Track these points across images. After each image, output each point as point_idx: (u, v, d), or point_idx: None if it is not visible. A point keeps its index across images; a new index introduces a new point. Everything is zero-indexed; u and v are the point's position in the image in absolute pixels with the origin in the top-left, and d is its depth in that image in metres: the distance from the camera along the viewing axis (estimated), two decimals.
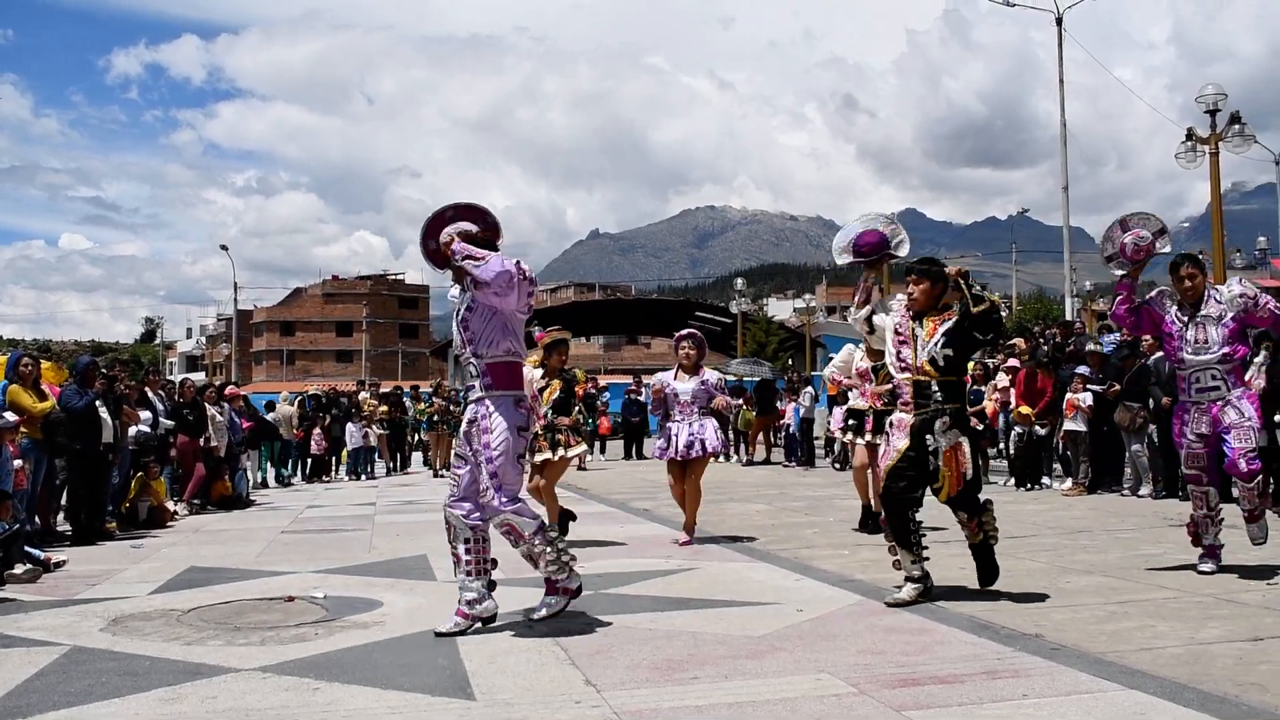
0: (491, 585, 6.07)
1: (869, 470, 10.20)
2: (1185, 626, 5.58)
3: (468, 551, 5.99)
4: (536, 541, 5.92)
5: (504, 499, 5.82)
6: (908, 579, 6.40)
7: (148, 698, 4.71)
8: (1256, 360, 11.23)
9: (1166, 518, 10.61)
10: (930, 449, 6.29)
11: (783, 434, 24.26)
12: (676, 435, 9.79)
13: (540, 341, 9.84)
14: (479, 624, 5.94)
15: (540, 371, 9.73)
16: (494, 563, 6.11)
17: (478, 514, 5.96)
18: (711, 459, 10.07)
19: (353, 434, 22.05)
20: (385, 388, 30.33)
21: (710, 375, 10.04)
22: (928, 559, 6.46)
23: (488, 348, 5.88)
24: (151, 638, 6.00)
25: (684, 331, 10.37)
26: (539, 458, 9.74)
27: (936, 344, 6.35)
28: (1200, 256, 7.55)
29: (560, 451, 9.61)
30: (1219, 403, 7.03)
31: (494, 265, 5.65)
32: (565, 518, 9.73)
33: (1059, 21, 30.80)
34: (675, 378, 10.01)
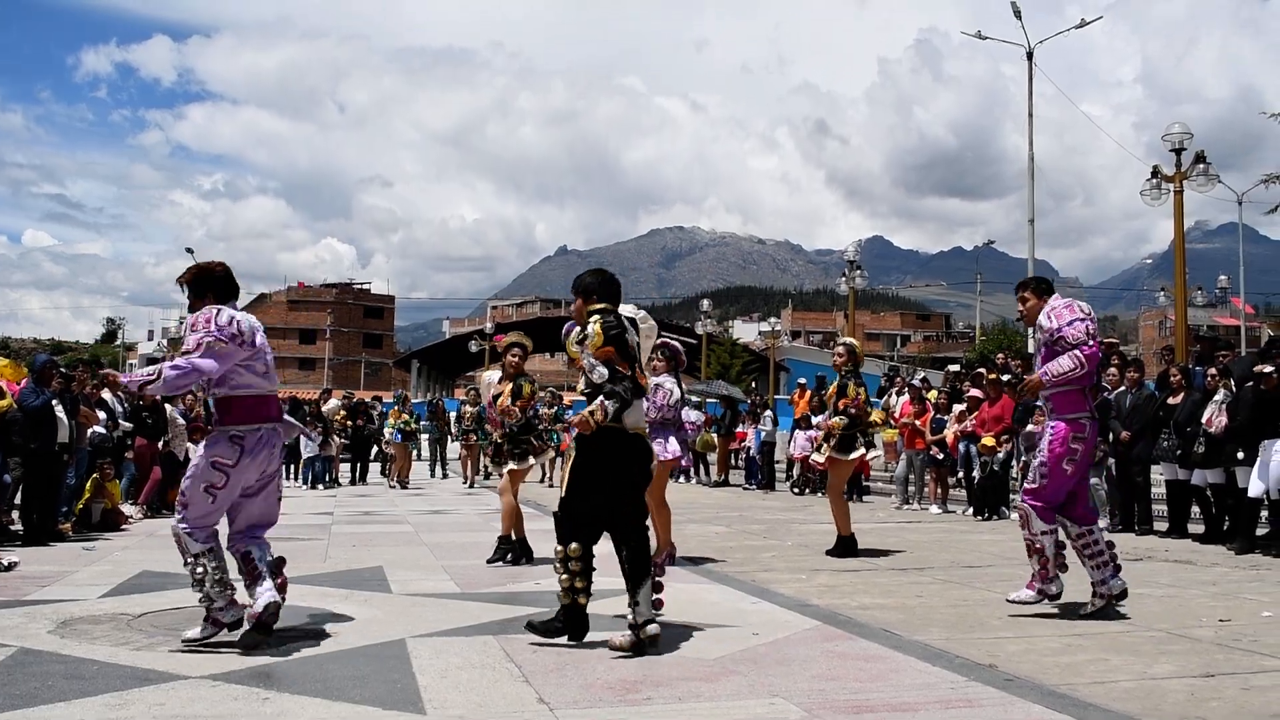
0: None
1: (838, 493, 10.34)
2: (1138, 660, 5.60)
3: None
4: (200, 565, 5.93)
5: (182, 516, 5.94)
6: (629, 624, 5.88)
7: (94, 703, 4.65)
8: (1216, 398, 11.34)
9: (1122, 551, 10.62)
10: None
11: (743, 457, 24.30)
12: None
13: (499, 344, 9.86)
14: (226, 630, 5.98)
15: (499, 374, 9.75)
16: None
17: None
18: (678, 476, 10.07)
19: (307, 443, 21.77)
20: (370, 398, 30.01)
21: (652, 382, 9.97)
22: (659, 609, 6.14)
23: (217, 387, 6.01)
24: (100, 642, 5.94)
25: (659, 340, 10.34)
26: (506, 468, 9.70)
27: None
28: (1038, 280, 7.39)
29: (528, 461, 9.62)
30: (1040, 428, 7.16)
31: (173, 373, 5.75)
32: (522, 548, 9.61)
33: (1030, 56, 31.15)
34: None
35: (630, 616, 5.85)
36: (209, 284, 6.10)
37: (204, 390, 6.07)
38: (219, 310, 5.92)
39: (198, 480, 5.92)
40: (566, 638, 5.88)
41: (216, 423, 6.05)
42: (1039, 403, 7.15)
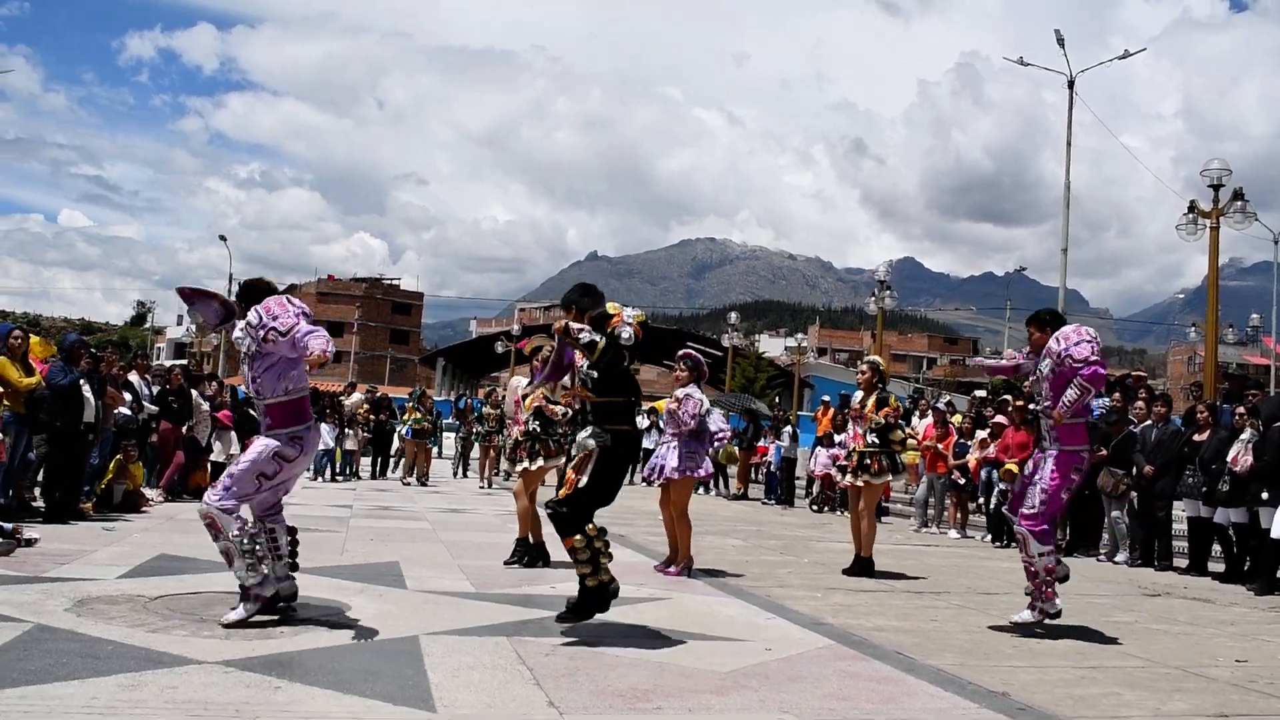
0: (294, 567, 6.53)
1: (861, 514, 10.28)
2: (1152, 697, 5.57)
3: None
4: (233, 545, 6.11)
5: (221, 496, 6.10)
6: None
7: (107, 682, 4.68)
8: (1243, 438, 11.26)
9: (1141, 586, 10.62)
10: (570, 454, 6.50)
11: (763, 471, 24.26)
12: (651, 457, 9.91)
13: (524, 348, 9.87)
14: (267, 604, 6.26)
15: (527, 380, 9.75)
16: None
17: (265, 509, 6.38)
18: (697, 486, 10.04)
19: (325, 434, 21.71)
20: (401, 393, 30.01)
21: (680, 393, 9.88)
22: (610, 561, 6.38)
23: (270, 393, 6.25)
24: (116, 622, 5.96)
25: (681, 351, 10.31)
26: (519, 467, 9.75)
27: (583, 367, 6.52)
28: (1052, 314, 7.80)
29: (539, 461, 9.60)
30: (1040, 453, 7.55)
31: (317, 342, 5.95)
32: (539, 552, 9.61)
33: (1071, 84, 31.00)
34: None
35: None
36: (259, 295, 6.40)
37: (259, 396, 6.29)
38: (280, 299, 6.25)
39: (255, 467, 6.14)
40: (598, 612, 6.23)
41: (270, 427, 6.25)
42: (1047, 428, 7.48)
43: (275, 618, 6.23)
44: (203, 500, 6.19)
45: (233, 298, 6.64)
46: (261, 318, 6.10)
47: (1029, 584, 7.43)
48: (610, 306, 6.50)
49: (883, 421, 10.19)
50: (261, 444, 6.22)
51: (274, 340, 6.05)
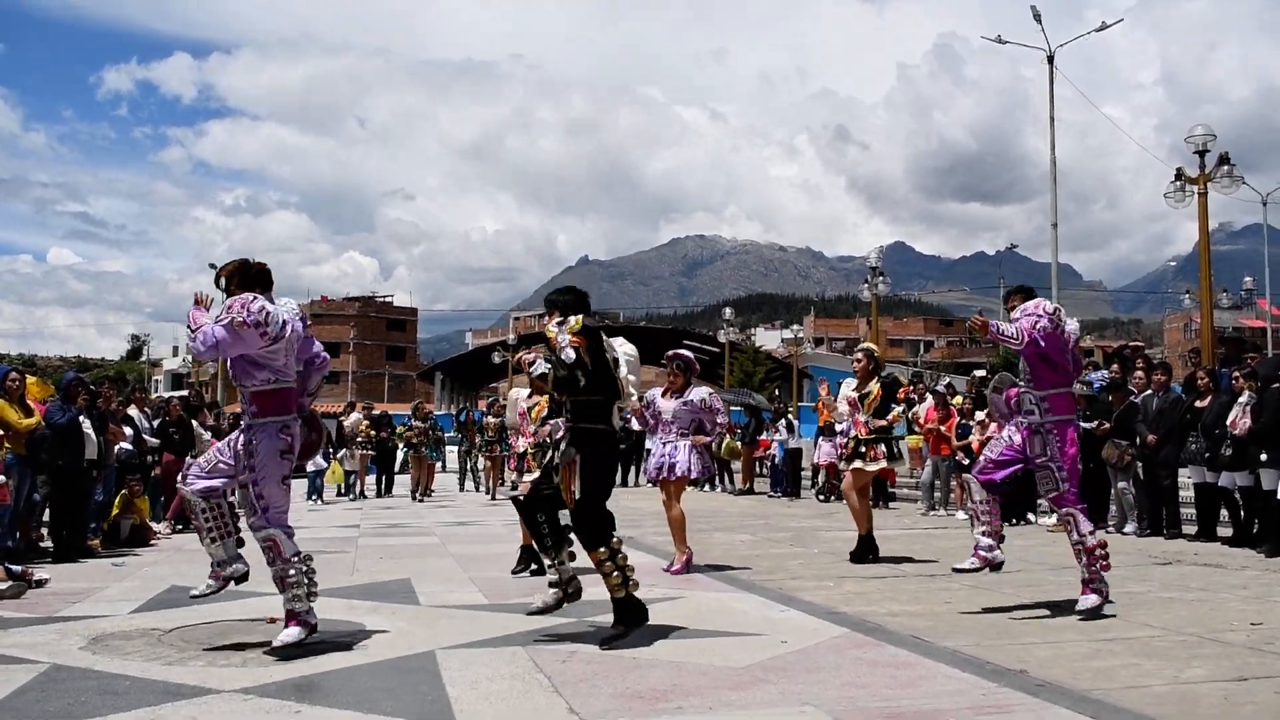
0: (240, 544, 6.41)
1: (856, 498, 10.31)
2: (1170, 665, 5.57)
3: (207, 518, 6.27)
4: (291, 568, 6.14)
5: (270, 519, 6.12)
6: (550, 584, 6.70)
7: (128, 718, 4.67)
8: (1241, 400, 11.27)
9: (1151, 555, 10.62)
10: (553, 463, 6.57)
11: (768, 464, 24.26)
12: (652, 456, 9.86)
13: (523, 363, 9.87)
14: (231, 583, 6.38)
15: (527, 392, 9.78)
16: (237, 524, 6.44)
17: (220, 483, 6.27)
18: (692, 484, 10.03)
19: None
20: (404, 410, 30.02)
21: (695, 394, 9.89)
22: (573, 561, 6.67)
23: (248, 381, 6.17)
24: (132, 657, 5.96)
25: (670, 353, 10.28)
26: (528, 477, 9.74)
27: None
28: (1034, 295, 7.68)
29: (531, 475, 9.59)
30: (1029, 427, 7.31)
31: (201, 336, 5.93)
32: (535, 557, 9.60)
33: (1050, 60, 31.01)
34: (662, 395, 9.97)
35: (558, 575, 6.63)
36: (249, 280, 6.24)
37: (237, 381, 6.24)
38: (255, 298, 6.04)
39: (271, 476, 6.13)
40: (637, 627, 6.29)
41: (256, 414, 6.14)
42: (1031, 403, 7.36)
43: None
44: (253, 527, 6.15)
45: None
46: (223, 310, 6.05)
47: (1085, 569, 7.11)
48: (549, 330, 6.48)
49: (905, 417, 10.29)
50: (261, 451, 6.10)
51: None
